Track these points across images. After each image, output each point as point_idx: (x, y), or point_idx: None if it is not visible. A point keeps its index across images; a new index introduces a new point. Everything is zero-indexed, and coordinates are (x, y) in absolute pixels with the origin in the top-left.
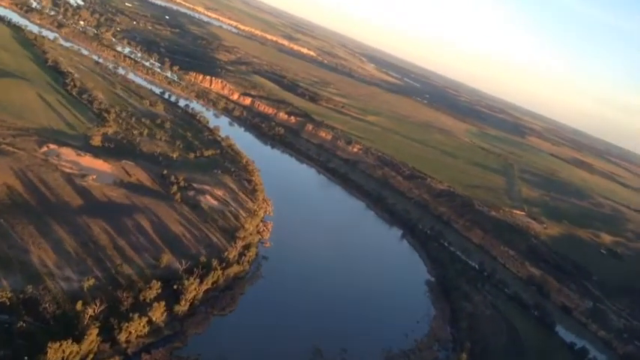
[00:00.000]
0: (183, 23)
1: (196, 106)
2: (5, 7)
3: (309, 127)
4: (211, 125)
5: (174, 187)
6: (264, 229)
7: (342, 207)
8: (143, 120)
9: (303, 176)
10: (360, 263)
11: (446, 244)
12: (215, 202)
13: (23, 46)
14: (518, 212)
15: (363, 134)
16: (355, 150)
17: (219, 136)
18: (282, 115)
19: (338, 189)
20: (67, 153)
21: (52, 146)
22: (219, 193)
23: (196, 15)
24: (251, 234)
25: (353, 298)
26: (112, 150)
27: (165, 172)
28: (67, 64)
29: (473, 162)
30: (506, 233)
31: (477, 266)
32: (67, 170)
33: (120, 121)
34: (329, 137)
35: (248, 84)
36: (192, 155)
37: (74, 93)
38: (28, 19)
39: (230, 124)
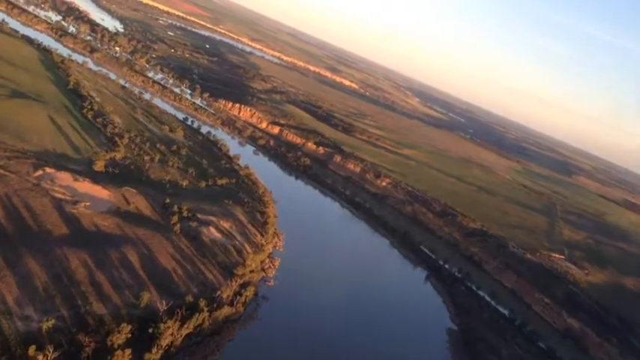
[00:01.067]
0: (222, 52)
1: (221, 133)
2: (41, 32)
3: (338, 158)
4: (232, 153)
5: (175, 218)
6: (269, 266)
7: (364, 244)
8: (158, 146)
9: (325, 210)
10: (375, 307)
11: (474, 287)
12: (218, 235)
13: (47, 69)
14: (557, 256)
15: (394, 167)
16: (384, 184)
17: (238, 165)
18: (311, 146)
19: (362, 225)
20: (64, 177)
21: (48, 170)
22: (226, 225)
23: (239, 45)
24: (252, 271)
25: (361, 348)
26: (115, 176)
27: (167, 200)
28: (90, 88)
29: (512, 200)
30: (543, 278)
31: (507, 314)
32: (59, 196)
33: (132, 146)
34: (357, 169)
35: (278, 113)
36: (203, 184)
37: (89, 116)
38: (62, 44)
39: (255, 152)
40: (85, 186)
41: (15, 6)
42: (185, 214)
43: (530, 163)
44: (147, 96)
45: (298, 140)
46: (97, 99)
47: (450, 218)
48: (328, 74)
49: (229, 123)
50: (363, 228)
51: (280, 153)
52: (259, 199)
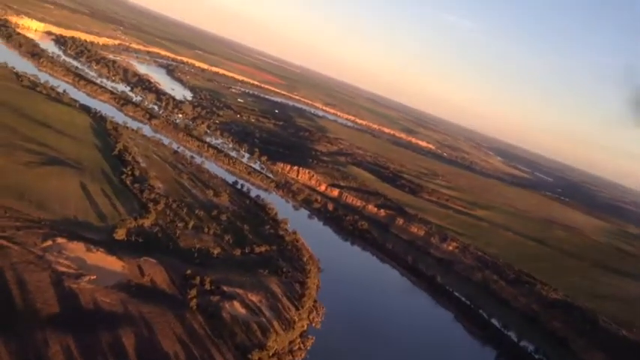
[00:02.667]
0: (291, 116)
1: (274, 197)
2: (104, 101)
3: (400, 221)
4: (281, 217)
5: (193, 291)
6: (299, 347)
7: (422, 318)
8: (197, 211)
9: (380, 278)
10: None
11: None
12: (243, 311)
13: (97, 136)
14: None
15: (464, 230)
16: (450, 248)
17: (285, 230)
18: (371, 208)
19: (422, 295)
20: (75, 248)
21: (59, 240)
22: (254, 298)
23: (312, 110)
24: (274, 355)
25: None
26: (137, 244)
27: (189, 271)
28: (138, 153)
29: (603, 266)
30: None
31: None
32: (62, 269)
33: (167, 212)
34: (421, 233)
35: (339, 175)
36: (238, 252)
37: (127, 182)
38: (123, 112)
39: (309, 216)
40: (97, 257)
41: (82, 78)
42: (208, 286)
43: (626, 223)
44: (199, 160)
45: (358, 203)
46: (143, 164)
47: (527, 287)
48: (403, 136)
49: (284, 186)
50: (423, 299)
51: (337, 217)
52: (301, 268)
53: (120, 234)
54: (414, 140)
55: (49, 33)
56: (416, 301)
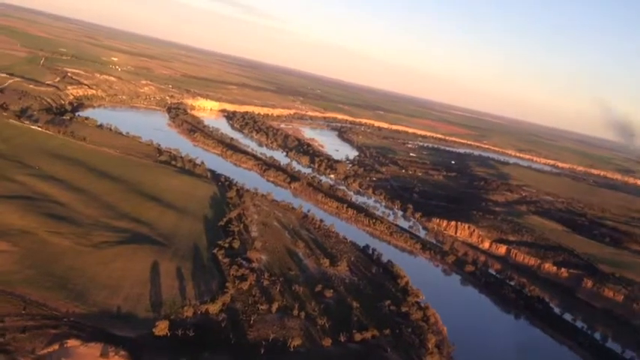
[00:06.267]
0: (469, 166)
1: (418, 260)
2: (247, 169)
3: (588, 283)
4: (414, 287)
5: None
6: None
7: None
8: (295, 287)
9: None
10: None
11: None
12: None
13: (212, 206)
14: None
15: None
16: None
17: (413, 305)
18: (548, 267)
19: None
20: (86, 353)
21: (70, 343)
22: None
23: (501, 157)
24: None
25: None
26: (183, 341)
27: None
28: (255, 221)
29: None
30: None
31: None
32: None
33: (254, 290)
34: (620, 298)
35: (509, 228)
36: (328, 341)
37: (219, 257)
38: (264, 177)
39: (462, 282)
40: None
41: (231, 148)
42: None
43: None
44: (330, 222)
45: (531, 261)
46: (254, 233)
47: None
48: (618, 176)
49: (433, 246)
50: None
51: (499, 281)
52: None
53: (161, 329)
54: (631, 180)
55: (222, 110)
56: None
